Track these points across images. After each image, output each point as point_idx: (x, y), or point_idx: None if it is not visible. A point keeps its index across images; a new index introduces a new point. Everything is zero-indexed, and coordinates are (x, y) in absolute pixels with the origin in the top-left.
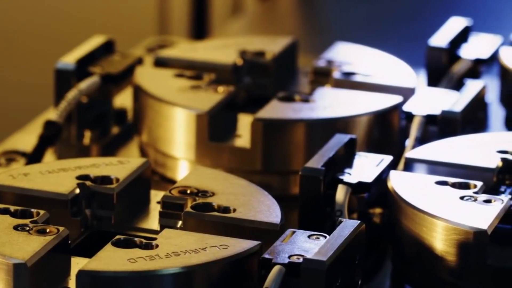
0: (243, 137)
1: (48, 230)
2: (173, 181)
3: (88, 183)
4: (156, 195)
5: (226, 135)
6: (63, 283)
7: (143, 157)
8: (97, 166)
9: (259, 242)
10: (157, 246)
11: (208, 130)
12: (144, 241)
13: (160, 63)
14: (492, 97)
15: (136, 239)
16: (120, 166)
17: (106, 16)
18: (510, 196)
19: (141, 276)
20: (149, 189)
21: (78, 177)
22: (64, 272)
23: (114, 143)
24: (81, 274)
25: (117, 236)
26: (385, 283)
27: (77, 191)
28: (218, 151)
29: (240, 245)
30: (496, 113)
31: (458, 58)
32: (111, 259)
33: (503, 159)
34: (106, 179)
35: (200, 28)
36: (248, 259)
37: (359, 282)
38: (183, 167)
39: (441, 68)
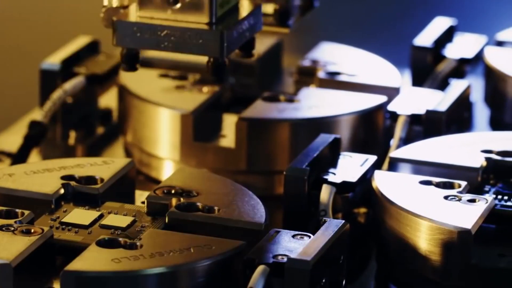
0: (228, 137)
1: (32, 230)
2: (158, 181)
3: (73, 183)
4: (141, 195)
5: (211, 135)
6: (48, 283)
7: (128, 157)
8: (82, 166)
9: (243, 242)
10: (141, 246)
11: (192, 130)
12: (128, 241)
13: (145, 63)
14: (477, 96)
15: (120, 239)
16: (105, 166)
17: (91, 16)
18: (494, 196)
19: (126, 276)
20: (134, 189)
21: (63, 177)
22: (49, 272)
23: (99, 143)
24: (65, 274)
25: (101, 236)
26: (369, 283)
27: (62, 191)
28: (202, 151)
29: (224, 245)
30: (481, 112)
31: (442, 57)
32: (96, 259)
33: (488, 159)
34: (90, 179)
35: None
36: (233, 259)
37: (344, 281)
38: (168, 167)
39: (426, 68)
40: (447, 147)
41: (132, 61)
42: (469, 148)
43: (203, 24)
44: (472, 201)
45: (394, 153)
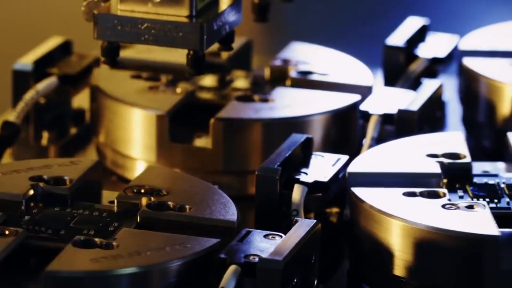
0: (203, 137)
1: (6, 232)
2: None
3: (42, 184)
4: (110, 195)
5: (187, 135)
6: (23, 284)
7: (100, 158)
8: (49, 167)
9: (218, 239)
10: (117, 245)
11: (168, 131)
12: (104, 241)
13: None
14: (450, 95)
15: (96, 239)
16: (72, 167)
17: (64, 17)
18: (477, 199)
19: (106, 275)
20: (101, 189)
21: (32, 178)
22: (23, 273)
23: (72, 144)
24: (44, 275)
25: (77, 237)
26: (342, 283)
27: (31, 192)
28: (178, 151)
29: (200, 243)
30: (454, 111)
31: (415, 57)
32: (74, 259)
33: (440, 163)
34: (59, 180)
35: None
36: (209, 256)
37: (316, 281)
38: (142, 168)
39: (398, 68)
40: (396, 155)
41: (112, 55)
42: (415, 154)
43: (183, 17)
44: (470, 207)
45: (350, 167)
